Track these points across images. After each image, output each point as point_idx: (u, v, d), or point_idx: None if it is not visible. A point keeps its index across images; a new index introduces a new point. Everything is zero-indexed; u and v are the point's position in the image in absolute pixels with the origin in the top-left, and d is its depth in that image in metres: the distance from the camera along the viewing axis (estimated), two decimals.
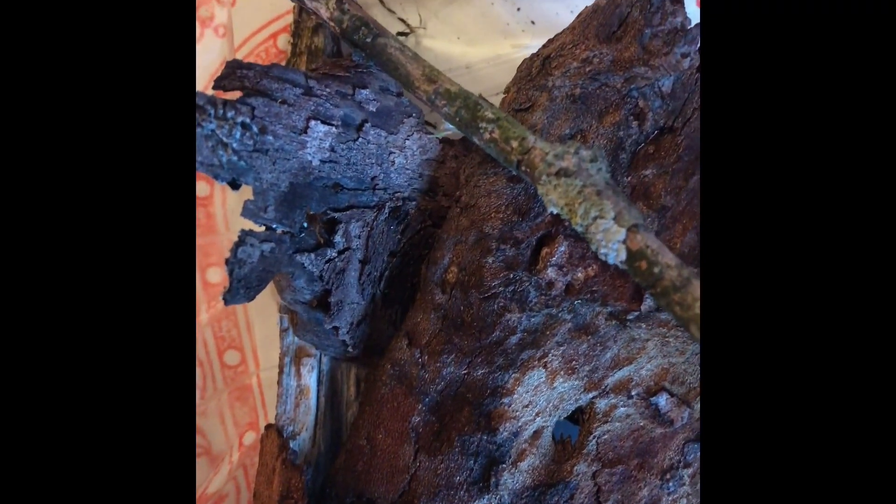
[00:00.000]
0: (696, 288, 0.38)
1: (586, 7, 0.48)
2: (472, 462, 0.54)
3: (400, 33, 0.61)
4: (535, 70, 0.49)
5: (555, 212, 0.42)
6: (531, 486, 0.54)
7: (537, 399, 0.54)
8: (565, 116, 0.48)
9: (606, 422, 0.54)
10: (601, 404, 0.54)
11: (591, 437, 0.54)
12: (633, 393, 0.54)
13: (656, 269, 0.39)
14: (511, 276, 0.52)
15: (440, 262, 0.54)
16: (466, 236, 0.53)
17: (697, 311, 0.38)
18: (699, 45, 0.47)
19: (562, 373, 0.53)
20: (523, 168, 0.43)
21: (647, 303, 0.51)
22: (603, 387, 0.54)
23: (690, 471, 0.56)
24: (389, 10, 0.61)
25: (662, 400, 0.54)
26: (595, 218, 0.41)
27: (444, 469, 0.54)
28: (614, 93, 0.47)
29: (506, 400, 0.53)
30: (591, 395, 0.54)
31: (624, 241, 0.40)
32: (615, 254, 0.40)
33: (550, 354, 0.53)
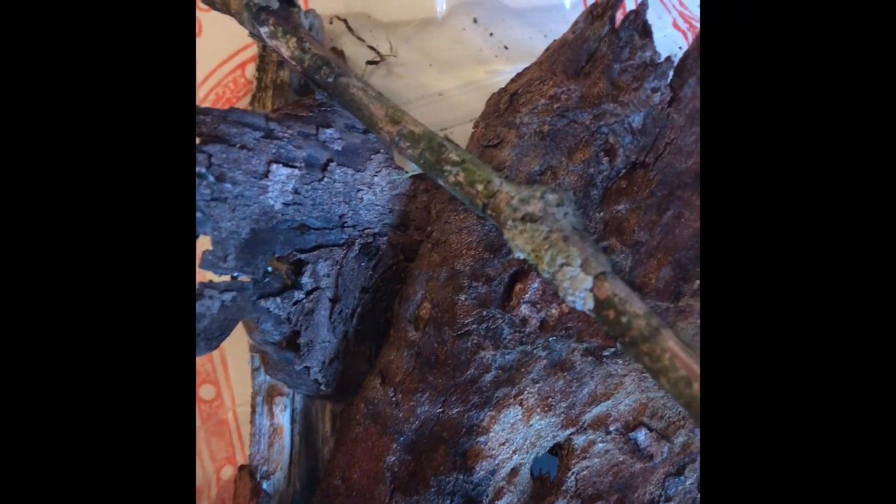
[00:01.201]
0: (665, 338, 0.37)
1: (554, 41, 0.47)
2: (448, 502, 0.53)
3: (370, 62, 0.60)
4: (503, 106, 0.47)
5: (521, 257, 0.41)
6: None
7: (514, 437, 0.53)
8: (534, 153, 0.47)
9: (585, 458, 0.53)
10: (579, 440, 0.53)
11: (570, 473, 0.53)
12: (611, 428, 0.53)
13: (624, 319, 0.38)
14: (484, 313, 0.51)
15: (413, 299, 0.53)
16: (438, 273, 0.52)
17: (666, 362, 0.37)
18: (671, 78, 0.46)
19: (538, 410, 0.52)
20: (489, 212, 0.42)
21: None
22: (580, 423, 0.53)
23: None
24: (359, 39, 0.60)
25: (641, 435, 0.53)
26: (562, 265, 0.39)
27: None
28: (583, 129, 0.46)
29: (482, 438, 0.52)
30: (568, 432, 0.53)
31: (591, 289, 0.39)
32: (583, 302, 0.39)
33: (526, 392, 0.52)
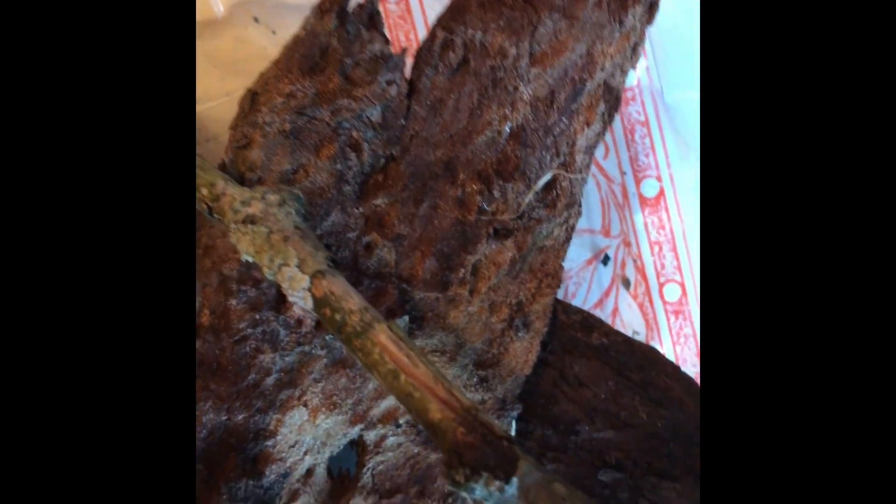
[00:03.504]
0: (376, 333, 0.37)
1: (289, 39, 0.47)
2: None
3: None
4: (247, 107, 0.47)
5: (249, 260, 0.41)
6: None
7: (303, 438, 0.52)
8: (282, 152, 0.47)
9: (378, 453, 0.53)
10: (370, 436, 0.53)
11: (366, 469, 0.53)
12: (401, 421, 0.53)
13: (338, 316, 0.38)
14: (257, 316, 0.50)
15: None
16: (210, 279, 0.51)
17: (376, 356, 0.37)
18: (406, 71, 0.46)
19: (323, 409, 0.52)
20: (215, 215, 0.41)
21: None
22: (369, 418, 0.53)
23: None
24: None
25: None
26: (280, 265, 0.39)
27: None
28: (324, 126, 0.46)
29: (269, 442, 0.52)
30: (358, 428, 0.53)
31: (309, 289, 0.39)
32: (303, 301, 0.39)
33: (309, 392, 0.51)
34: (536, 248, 0.50)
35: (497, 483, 0.34)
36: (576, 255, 0.66)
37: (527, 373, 0.53)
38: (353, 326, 0.38)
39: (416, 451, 0.54)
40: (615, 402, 0.53)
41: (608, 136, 0.65)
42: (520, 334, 0.51)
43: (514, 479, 0.34)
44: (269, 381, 0.51)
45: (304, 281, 0.39)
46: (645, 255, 0.67)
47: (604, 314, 0.67)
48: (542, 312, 0.51)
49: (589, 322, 0.53)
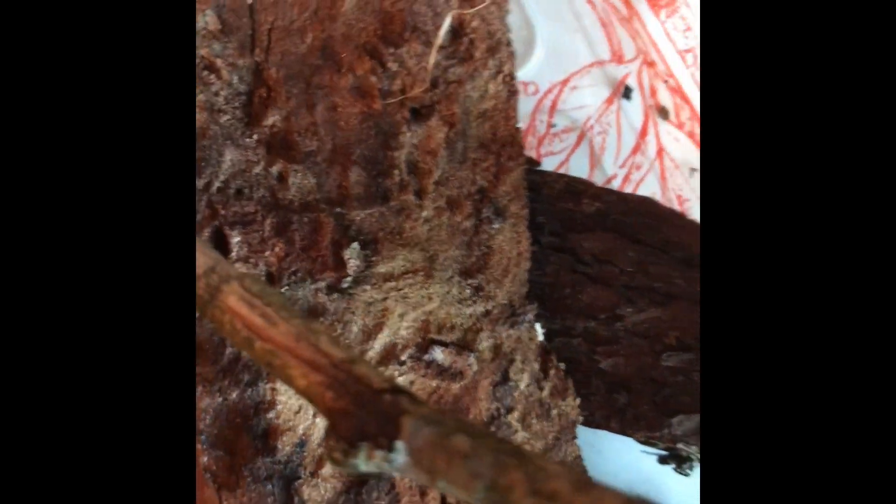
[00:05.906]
0: (225, 296, 0.30)
1: None
2: (270, 487, 0.48)
3: None
4: None
5: None
6: (344, 491, 0.48)
7: (305, 402, 0.47)
8: None
9: None
10: None
11: None
12: (402, 358, 0.46)
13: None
14: None
15: None
16: None
17: (227, 325, 0.29)
18: None
19: None
20: None
21: (353, 262, 0.43)
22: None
23: (517, 414, 0.47)
24: None
25: (438, 353, 0.46)
26: None
27: (248, 502, 0.49)
28: None
29: (271, 414, 0.47)
30: None
31: None
32: None
33: None
34: (475, 117, 0.39)
35: (379, 453, 0.26)
36: (588, 99, 0.52)
37: (525, 267, 0.43)
38: (201, 295, 0.30)
39: (433, 385, 0.46)
40: (645, 273, 0.41)
41: None
42: (495, 225, 0.41)
43: (399, 444, 0.25)
44: None
45: None
46: (677, 71, 0.51)
47: (647, 159, 0.53)
48: (514, 192, 0.40)
49: (573, 187, 0.41)
